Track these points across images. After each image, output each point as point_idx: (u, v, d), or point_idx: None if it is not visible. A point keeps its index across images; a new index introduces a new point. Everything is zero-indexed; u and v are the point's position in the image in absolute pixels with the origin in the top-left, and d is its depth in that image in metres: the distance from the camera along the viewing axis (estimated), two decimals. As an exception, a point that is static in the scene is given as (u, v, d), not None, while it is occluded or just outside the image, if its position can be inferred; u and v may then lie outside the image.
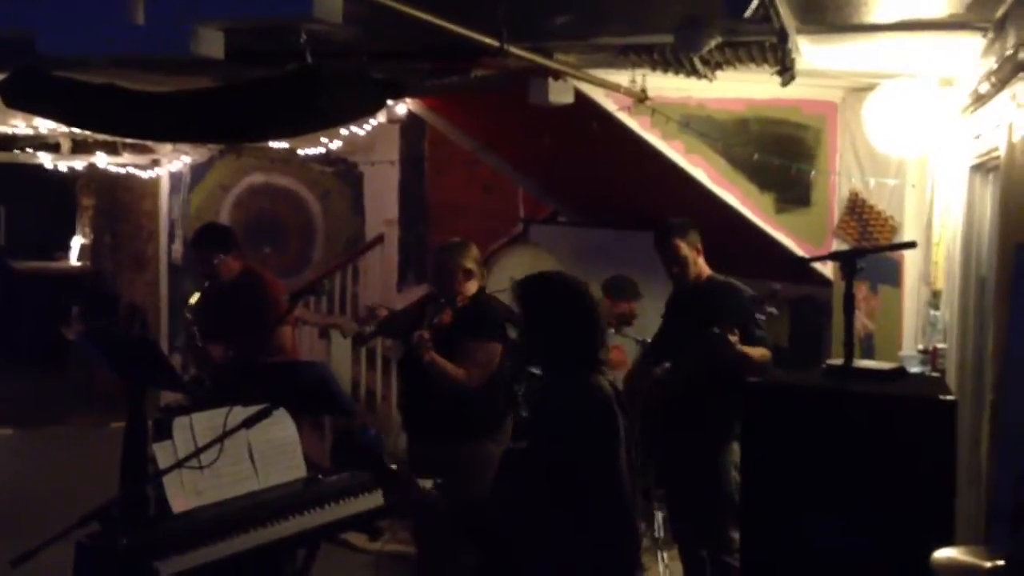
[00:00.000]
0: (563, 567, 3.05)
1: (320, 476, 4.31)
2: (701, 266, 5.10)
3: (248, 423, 3.43)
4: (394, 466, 3.22)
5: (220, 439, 3.49)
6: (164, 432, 3.94)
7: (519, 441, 4.71)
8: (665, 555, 5.87)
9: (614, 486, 3.11)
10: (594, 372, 3.16)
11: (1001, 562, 2.92)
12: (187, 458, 3.63)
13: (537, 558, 3.06)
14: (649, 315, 6.71)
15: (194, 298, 5.86)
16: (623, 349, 7.20)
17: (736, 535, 4.49)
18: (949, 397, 3.52)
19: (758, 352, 4.72)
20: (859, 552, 3.48)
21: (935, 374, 4.51)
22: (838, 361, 4.00)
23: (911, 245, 4.92)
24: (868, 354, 5.58)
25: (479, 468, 4.69)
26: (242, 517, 3.88)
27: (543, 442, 3.09)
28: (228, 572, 3.80)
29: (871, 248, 5.16)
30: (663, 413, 5.08)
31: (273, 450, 4.21)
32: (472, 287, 4.91)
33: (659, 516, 6.16)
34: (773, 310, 5.14)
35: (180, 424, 3.96)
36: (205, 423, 3.96)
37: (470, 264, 4.89)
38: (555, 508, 3.01)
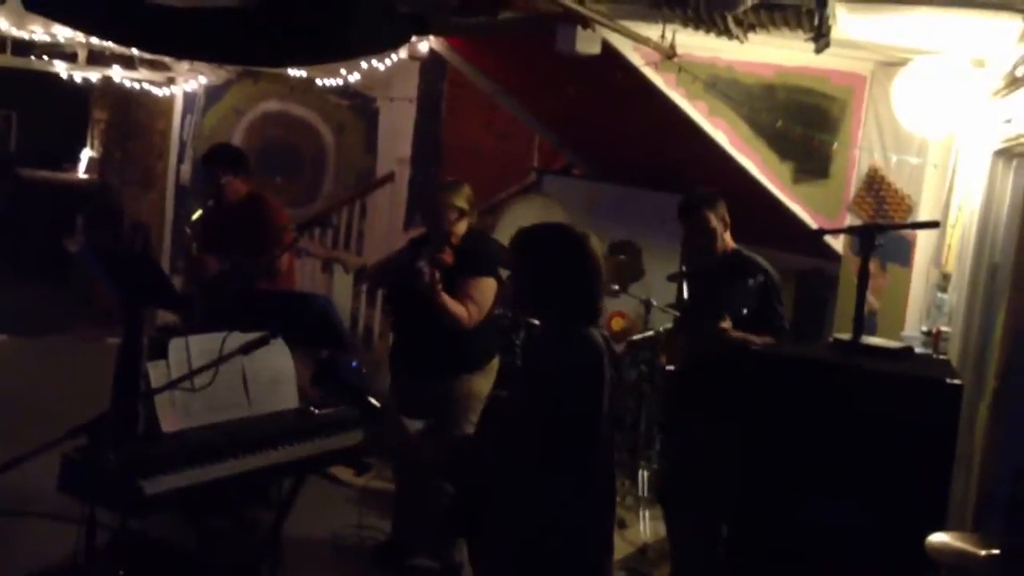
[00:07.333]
0: (544, 513, 3.04)
1: (312, 408, 4.29)
2: (727, 240, 4.79)
3: (245, 349, 3.40)
4: (376, 401, 3.19)
5: (216, 363, 3.45)
6: (159, 351, 3.91)
7: (505, 389, 4.71)
8: (647, 513, 5.89)
9: (597, 438, 3.10)
10: (589, 323, 3.14)
11: (996, 551, 2.89)
12: (181, 379, 3.60)
13: (518, 503, 3.05)
14: (655, 275, 6.68)
15: (196, 214, 5.86)
16: (627, 315, 7.18)
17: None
18: (956, 381, 3.47)
19: (761, 340, 4.38)
20: (853, 529, 3.45)
21: (943, 356, 4.45)
22: (845, 336, 3.94)
23: (934, 225, 4.84)
24: (871, 332, 5.49)
25: (467, 402, 4.79)
26: (231, 442, 3.87)
27: (534, 391, 3.06)
28: (213, 495, 3.78)
29: (891, 225, 5.07)
30: (682, 399, 4.95)
31: (267, 379, 4.19)
32: (462, 227, 4.90)
33: (643, 474, 6.19)
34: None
35: (176, 345, 3.92)
36: (201, 346, 3.92)
37: (462, 203, 4.89)
38: (540, 456, 2.99)
